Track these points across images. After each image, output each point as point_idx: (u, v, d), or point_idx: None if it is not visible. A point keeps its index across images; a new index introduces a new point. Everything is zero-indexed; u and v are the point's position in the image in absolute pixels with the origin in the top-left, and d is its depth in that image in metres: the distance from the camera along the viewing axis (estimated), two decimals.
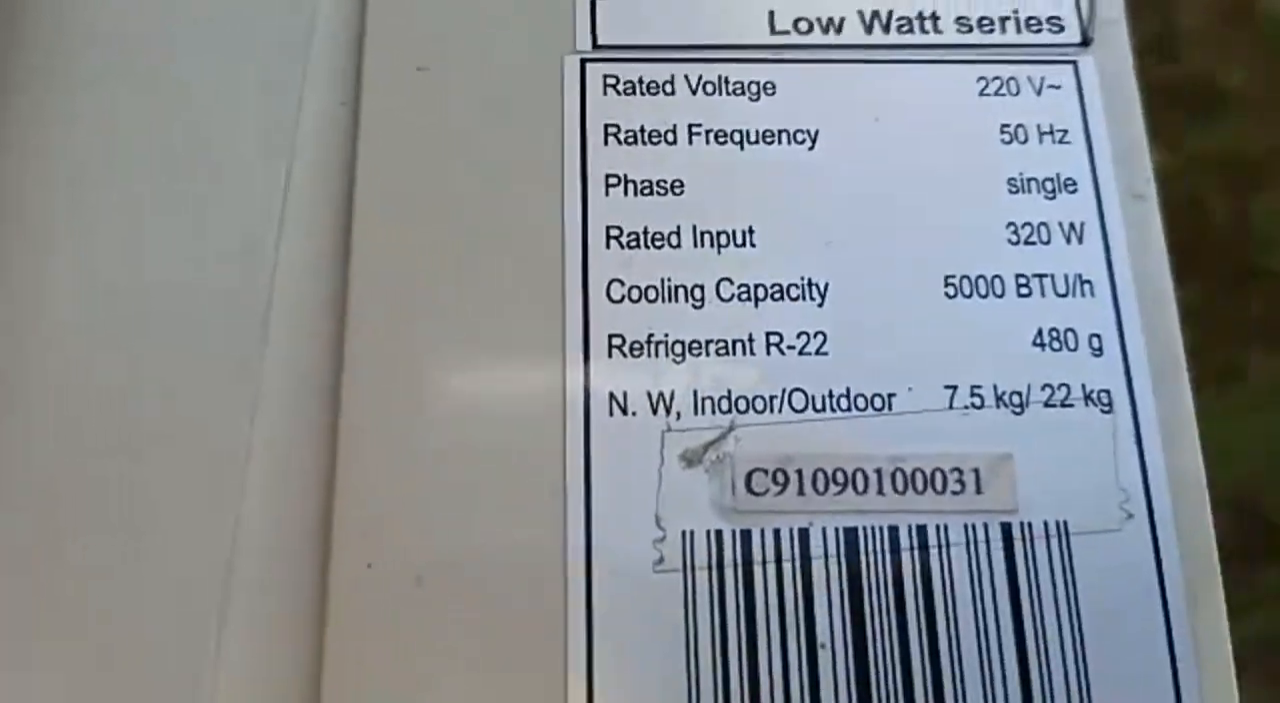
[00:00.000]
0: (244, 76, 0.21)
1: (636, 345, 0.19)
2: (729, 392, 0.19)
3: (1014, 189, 0.20)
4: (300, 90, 0.21)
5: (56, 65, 0.21)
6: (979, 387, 0.19)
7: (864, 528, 0.18)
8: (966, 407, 0.19)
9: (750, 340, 0.19)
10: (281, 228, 0.20)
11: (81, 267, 0.20)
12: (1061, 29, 0.21)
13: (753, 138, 0.20)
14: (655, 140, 0.20)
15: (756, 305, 0.19)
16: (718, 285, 0.19)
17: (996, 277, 0.20)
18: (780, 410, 0.19)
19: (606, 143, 0.20)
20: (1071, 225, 0.20)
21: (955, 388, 0.19)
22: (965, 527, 0.18)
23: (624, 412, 0.19)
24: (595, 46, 0.21)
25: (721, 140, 0.20)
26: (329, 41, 0.21)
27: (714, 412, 0.19)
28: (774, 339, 0.19)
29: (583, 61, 0.21)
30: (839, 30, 0.21)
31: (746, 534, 0.18)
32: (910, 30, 0.21)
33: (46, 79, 0.21)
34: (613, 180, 0.20)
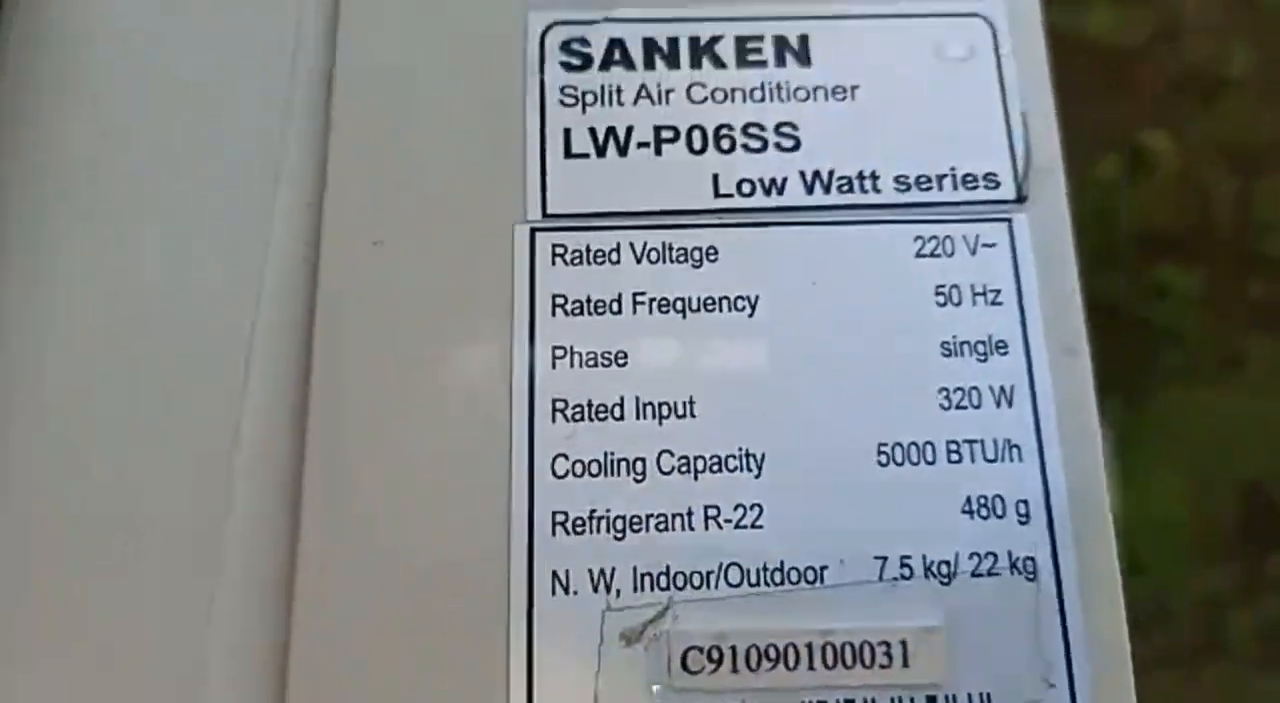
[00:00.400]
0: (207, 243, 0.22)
1: (579, 522, 0.20)
2: (668, 567, 0.20)
3: (947, 352, 0.21)
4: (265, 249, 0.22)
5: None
6: (908, 557, 0.20)
7: None
8: (895, 578, 0.20)
9: (689, 514, 0.20)
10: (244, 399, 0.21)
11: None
12: (997, 185, 0.22)
13: (694, 306, 0.21)
14: (601, 311, 0.21)
15: (696, 478, 0.20)
16: (658, 458, 0.20)
17: (928, 443, 0.20)
18: (716, 586, 0.20)
19: (554, 314, 0.21)
20: (1002, 389, 0.21)
21: (885, 559, 0.20)
22: (891, 701, 0.19)
23: (566, 591, 0.20)
24: (545, 215, 0.22)
25: (665, 309, 0.21)
26: (290, 210, 0.22)
27: (653, 589, 0.20)
28: (711, 512, 0.20)
29: (533, 231, 0.22)
30: (781, 192, 0.22)
31: None
32: (850, 190, 0.22)
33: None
34: (559, 352, 0.21)
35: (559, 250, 0.21)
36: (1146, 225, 0.83)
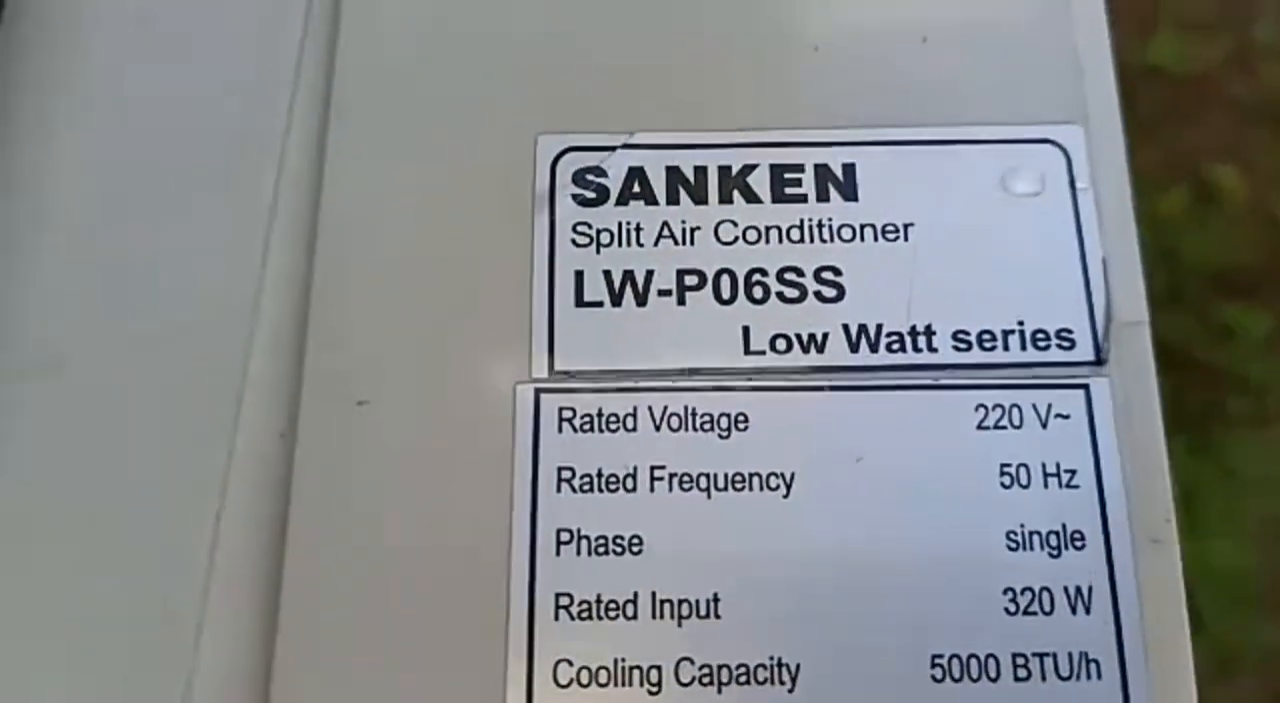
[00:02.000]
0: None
1: None
2: None
3: (1013, 545, 0.18)
4: (235, 420, 0.19)
5: None
6: None
7: None
8: None
9: None
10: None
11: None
12: (1073, 345, 0.19)
13: (721, 483, 0.18)
14: (613, 487, 0.18)
15: (720, 691, 0.18)
16: (677, 667, 0.18)
17: (991, 656, 0.17)
18: None
19: (559, 490, 0.18)
20: (1078, 590, 0.18)
21: None
22: None
23: None
24: (552, 373, 0.19)
25: (687, 486, 0.18)
26: (266, 368, 0.20)
27: None
28: None
29: (537, 391, 0.19)
30: (821, 350, 0.19)
31: None
32: (901, 349, 0.19)
33: None
34: (564, 537, 0.18)
35: (567, 414, 0.19)
36: (1214, 263, 0.80)
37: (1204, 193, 0.83)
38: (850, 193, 0.20)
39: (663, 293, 0.19)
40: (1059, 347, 0.19)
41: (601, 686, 0.17)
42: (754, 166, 0.20)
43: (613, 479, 0.18)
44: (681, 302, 0.19)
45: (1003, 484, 0.18)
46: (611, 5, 0.21)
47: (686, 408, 0.19)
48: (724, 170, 0.20)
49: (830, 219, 0.20)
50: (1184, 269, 0.81)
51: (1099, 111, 0.20)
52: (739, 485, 0.18)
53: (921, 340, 0.19)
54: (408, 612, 0.18)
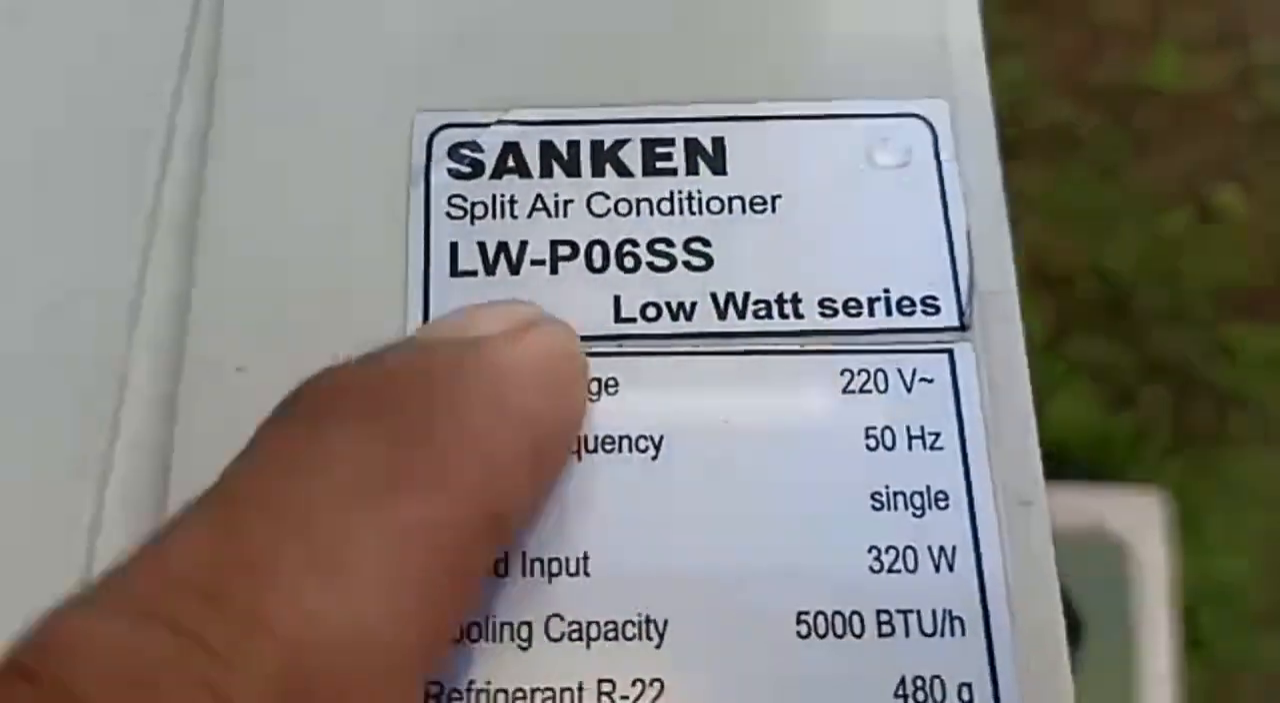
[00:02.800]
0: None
1: (455, 696, 0.17)
2: None
3: (878, 505, 0.18)
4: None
5: None
6: None
7: None
8: None
9: (580, 690, 0.17)
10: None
11: None
12: (937, 311, 0.19)
13: (590, 445, 0.19)
14: None
15: (589, 646, 0.17)
16: (547, 623, 0.18)
17: (855, 613, 0.18)
18: None
19: None
20: (941, 549, 0.18)
21: None
22: None
23: None
24: None
25: None
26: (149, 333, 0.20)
27: None
28: (606, 688, 0.17)
29: None
30: (689, 317, 0.19)
31: None
32: (768, 315, 0.19)
33: None
34: None
35: None
36: (1216, 282, 0.81)
37: (1205, 212, 0.84)
38: (719, 166, 0.20)
39: (536, 263, 0.20)
40: (924, 313, 0.19)
41: (473, 641, 0.17)
42: (626, 141, 0.20)
43: None
44: (554, 271, 0.20)
45: (868, 446, 0.18)
46: None
47: None
48: (596, 145, 0.20)
49: (699, 191, 0.20)
50: (1186, 288, 0.82)
51: (966, 87, 0.20)
52: (608, 448, 0.18)
53: (788, 307, 0.19)
54: None
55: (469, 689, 0.17)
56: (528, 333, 0.17)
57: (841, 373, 0.19)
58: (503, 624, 0.18)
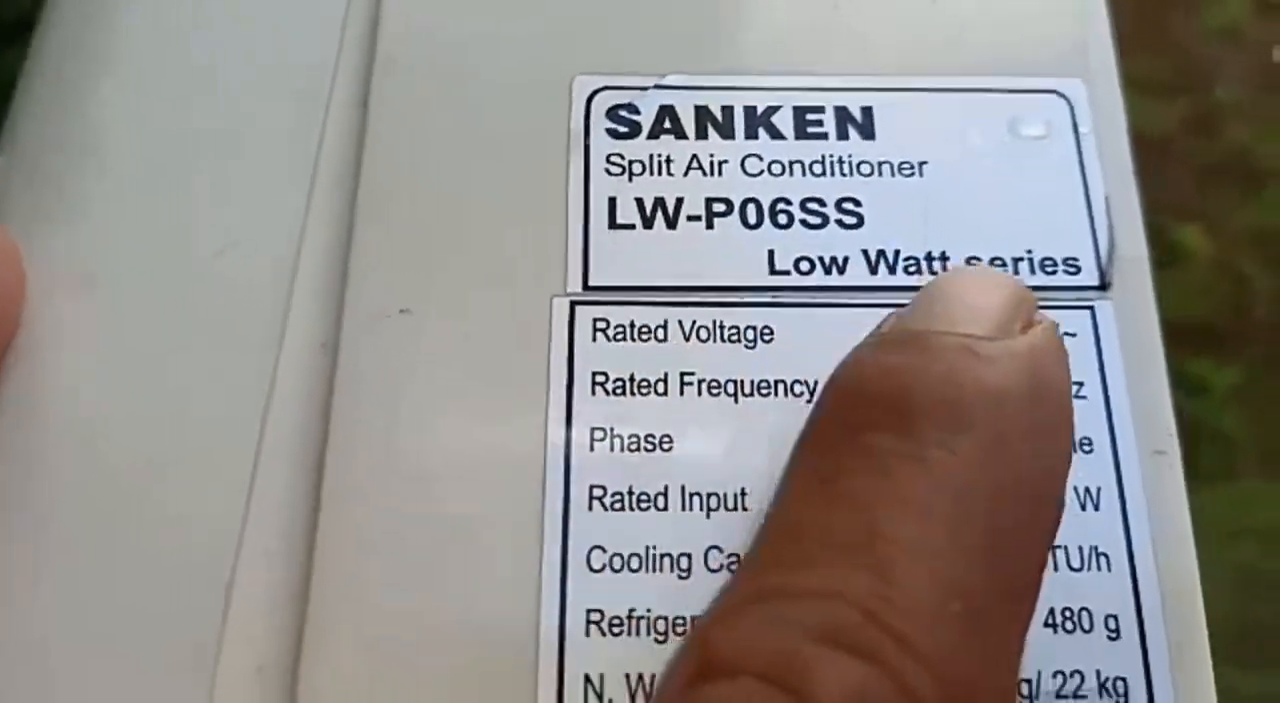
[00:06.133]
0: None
1: (616, 622, 0.18)
2: None
3: None
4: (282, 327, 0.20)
5: None
6: None
7: None
8: None
9: None
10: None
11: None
12: (1078, 271, 0.20)
13: (747, 389, 0.19)
14: (645, 390, 0.19)
15: None
16: (705, 555, 0.18)
17: None
18: None
19: (594, 393, 0.19)
20: (1088, 491, 0.19)
21: None
22: None
23: (600, 699, 0.17)
24: (586, 288, 0.20)
25: (715, 391, 0.19)
26: (310, 280, 0.20)
27: None
28: None
29: (572, 304, 0.20)
30: (842, 271, 0.20)
31: None
32: (918, 271, 0.20)
33: None
34: (598, 434, 0.19)
35: (600, 325, 0.20)
36: (1182, 319, 0.82)
37: (1170, 251, 0.85)
38: (869, 132, 0.21)
39: (692, 218, 0.20)
40: (1066, 272, 0.20)
41: (634, 571, 0.18)
42: (777, 108, 0.21)
43: (644, 384, 0.19)
44: (710, 226, 0.20)
45: None
46: None
47: (714, 321, 0.20)
48: (750, 110, 0.21)
49: (850, 155, 0.21)
50: None
51: (1099, 68, 0.21)
52: (764, 392, 0.19)
53: (937, 265, 0.20)
54: (446, 515, 0.19)
55: (629, 617, 0.18)
56: (1048, 333, 0.16)
57: None
58: (663, 555, 0.18)
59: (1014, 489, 0.15)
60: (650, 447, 0.19)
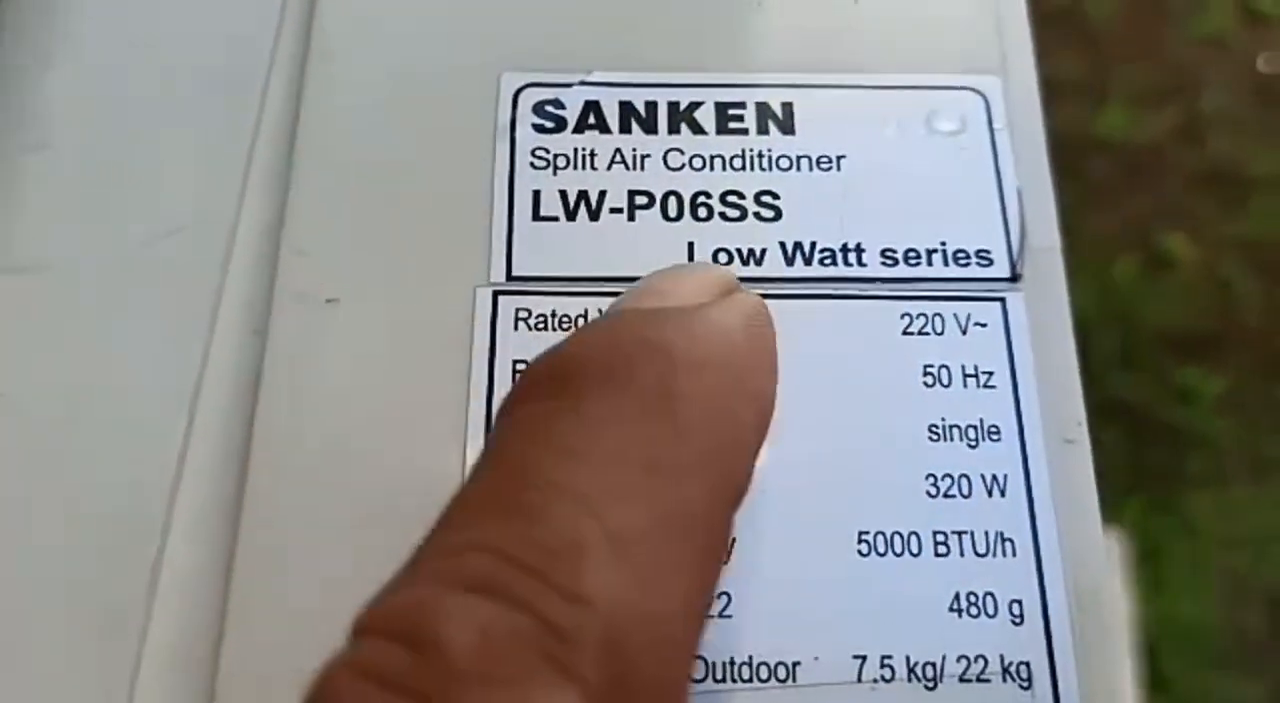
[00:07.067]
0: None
1: None
2: None
3: (934, 436, 0.19)
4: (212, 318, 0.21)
5: None
6: (890, 657, 0.18)
7: None
8: (876, 680, 0.18)
9: None
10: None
11: None
12: (990, 263, 0.20)
13: None
14: None
15: None
16: None
17: (913, 533, 0.19)
18: None
19: (515, 381, 0.19)
20: (994, 477, 0.19)
21: (864, 658, 0.18)
22: None
23: None
24: (509, 278, 0.20)
25: None
26: (242, 270, 0.21)
27: None
28: None
29: (495, 293, 0.20)
30: (759, 262, 0.20)
31: None
32: (833, 263, 0.20)
33: None
34: None
35: (523, 315, 0.20)
36: (1168, 327, 0.82)
37: (1156, 259, 0.86)
38: (789, 128, 0.22)
39: (614, 210, 0.21)
40: (978, 264, 0.21)
41: None
42: (700, 103, 0.22)
43: None
44: (631, 219, 0.21)
45: (925, 383, 0.20)
46: None
47: None
48: (673, 105, 0.22)
49: (769, 150, 0.21)
50: (1139, 332, 0.83)
51: (1016, 65, 0.22)
52: None
53: (852, 256, 0.21)
54: (369, 495, 0.19)
55: None
56: (734, 302, 0.16)
57: (901, 317, 0.20)
58: None
59: (675, 439, 0.15)
60: None
